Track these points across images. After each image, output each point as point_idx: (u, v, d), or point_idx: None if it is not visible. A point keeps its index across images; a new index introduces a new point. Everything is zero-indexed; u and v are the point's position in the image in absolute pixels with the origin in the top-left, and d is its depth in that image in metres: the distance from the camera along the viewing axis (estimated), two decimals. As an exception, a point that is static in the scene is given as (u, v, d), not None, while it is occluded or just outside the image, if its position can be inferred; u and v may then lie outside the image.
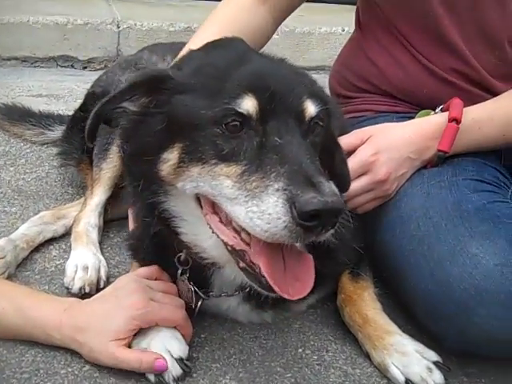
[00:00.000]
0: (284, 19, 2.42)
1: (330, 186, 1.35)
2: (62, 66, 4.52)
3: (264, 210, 1.35)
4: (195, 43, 1.88)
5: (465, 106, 1.97)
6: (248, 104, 1.46)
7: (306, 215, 1.31)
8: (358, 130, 2.01)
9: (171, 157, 1.54)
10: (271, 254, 1.47)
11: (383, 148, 1.92)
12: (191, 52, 1.75)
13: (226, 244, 1.53)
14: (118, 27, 4.64)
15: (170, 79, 1.56)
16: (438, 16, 2.08)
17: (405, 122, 2.03)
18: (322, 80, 2.16)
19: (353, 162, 1.87)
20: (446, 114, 1.97)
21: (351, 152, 1.93)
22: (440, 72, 2.14)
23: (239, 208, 1.40)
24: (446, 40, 2.10)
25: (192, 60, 1.68)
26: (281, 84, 1.51)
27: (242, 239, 1.49)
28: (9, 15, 4.48)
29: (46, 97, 3.78)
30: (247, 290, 1.75)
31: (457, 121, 1.92)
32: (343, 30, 5.00)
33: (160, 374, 1.63)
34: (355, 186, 1.89)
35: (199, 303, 1.80)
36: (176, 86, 1.55)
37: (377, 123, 2.14)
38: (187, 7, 5.67)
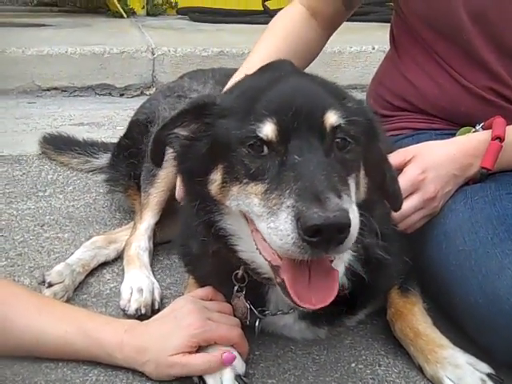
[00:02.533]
0: (334, 31, 2.55)
1: (337, 202, 1.37)
2: (100, 94, 4.66)
3: (277, 227, 1.41)
4: (250, 61, 1.99)
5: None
6: (268, 129, 1.52)
7: (309, 230, 1.35)
8: (401, 149, 2.05)
9: (216, 177, 1.62)
10: (297, 269, 1.52)
11: (430, 166, 1.96)
12: (244, 77, 1.84)
13: (266, 260, 1.60)
14: (153, 54, 4.77)
15: (213, 105, 1.66)
16: (469, 32, 2.12)
17: (447, 140, 2.07)
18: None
19: (402, 181, 1.91)
20: (488, 131, 2.01)
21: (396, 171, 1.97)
22: (477, 90, 2.18)
23: (263, 225, 1.47)
24: (480, 59, 2.14)
25: (241, 85, 1.78)
26: (305, 102, 1.56)
27: (278, 255, 1.54)
28: (47, 47, 4.62)
29: (88, 125, 3.90)
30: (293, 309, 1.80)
31: (500, 139, 1.95)
32: (373, 48, 5.06)
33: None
34: (408, 205, 1.93)
35: (258, 323, 1.85)
36: (219, 111, 1.64)
37: (416, 140, 2.19)
38: (217, 31, 5.80)
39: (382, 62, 2.64)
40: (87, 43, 4.77)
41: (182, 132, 1.70)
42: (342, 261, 1.72)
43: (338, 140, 1.55)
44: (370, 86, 2.69)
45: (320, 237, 1.36)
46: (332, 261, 1.58)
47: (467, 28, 2.12)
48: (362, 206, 1.57)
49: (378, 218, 1.75)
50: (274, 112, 1.54)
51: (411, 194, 1.95)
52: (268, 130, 1.52)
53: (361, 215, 1.48)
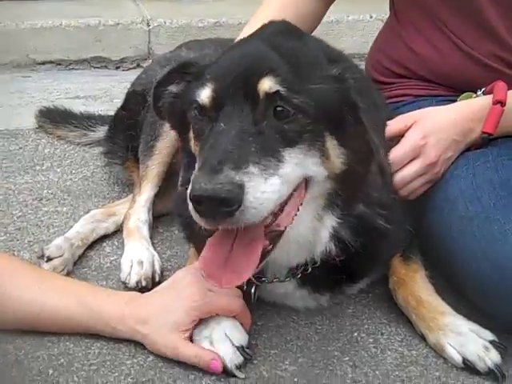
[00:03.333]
0: (331, 3, 2.52)
1: (227, 174, 1.37)
2: (96, 67, 4.59)
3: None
4: (245, 31, 1.97)
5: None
6: (204, 95, 1.55)
7: (192, 200, 1.39)
8: (401, 115, 2.03)
9: (190, 136, 1.69)
10: (219, 245, 1.56)
11: (431, 131, 1.94)
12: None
13: None
14: (148, 26, 4.70)
15: (193, 65, 1.73)
16: (482, 3, 2.09)
17: (448, 105, 2.05)
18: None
19: (403, 147, 1.90)
20: (489, 96, 1.98)
21: (397, 138, 1.95)
22: (480, 57, 2.15)
23: None
24: (488, 26, 2.12)
25: (226, 49, 1.79)
26: (246, 68, 1.53)
27: None
28: (41, 20, 4.56)
29: (84, 98, 3.86)
30: (299, 276, 1.80)
31: (501, 103, 1.93)
32: (371, 17, 4.99)
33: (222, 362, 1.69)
34: (410, 170, 1.93)
35: (254, 290, 1.84)
36: (196, 72, 1.70)
37: (417, 107, 2.16)
38: (215, 2, 5.70)
39: (382, 29, 2.61)
40: (82, 16, 4.69)
41: (173, 89, 1.78)
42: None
43: (277, 109, 1.50)
44: (369, 53, 2.66)
45: (203, 207, 1.38)
46: (275, 232, 1.57)
47: None
48: (339, 177, 1.59)
49: (376, 187, 1.75)
50: (215, 78, 1.56)
51: (412, 159, 1.94)
52: (204, 95, 1.55)
53: (342, 185, 1.56)
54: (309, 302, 1.93)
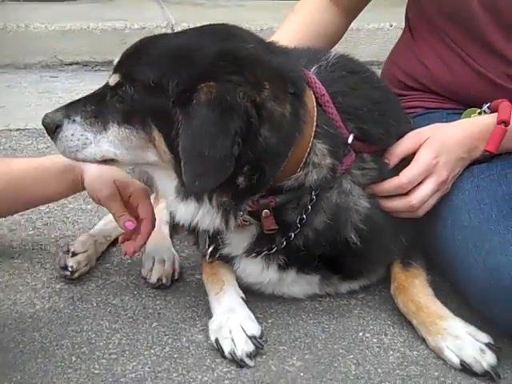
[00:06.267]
0: (354, 18, 2.69)
1: (55, 114, 1.89)
2: (121, 69, 4.72)
3: None
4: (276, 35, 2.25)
5: None
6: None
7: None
8: (411, 134, 2.07)
9: None
10: None
11: (441, 150, 2.00)
12: None
13: None
14: (173, 30, 4.81)
15: None
16: (479, 19, 2.17)
17: (455, 123, 2.11)
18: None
19: (418, 167, 1.97)
20: (493, 115, 2.05)
21: (411, 156, 2.02)
22: (489, 75, 2.22)
23: None
24: (491, 45, 2.19)
25: None
26: (121, 59, 1.88)
27: None
28: (70, 22, 4.70)
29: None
30: (255, 253, 1.95)
31: (505, 123, 1.99)
32: (391, 26, 5.06)
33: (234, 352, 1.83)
34: (427, 189, 1.98)
35: (210, 250, 2.02)
36: None
37: (427, 119, 2.25)
38: (237, 7, 5.82)
39: (397, 43, 2.69)
40: (108, 18, 4.83)
41: None
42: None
43: (119, 92, 1.80)
44: (384, 65, 2.74)
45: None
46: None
47: (478, 14, 2.16)
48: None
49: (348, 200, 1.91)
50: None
51: (426, 178, 1.99)
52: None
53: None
54: (303, 286, 2.05)
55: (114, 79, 1.83)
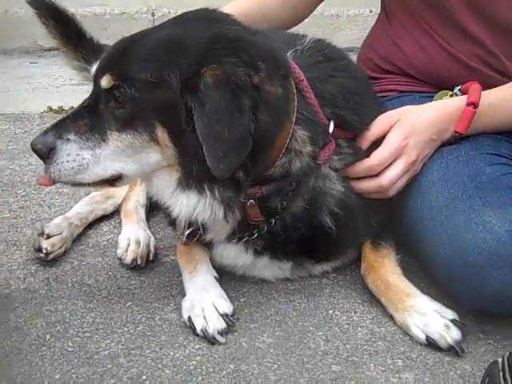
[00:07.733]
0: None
1: (45, 137, 1.75)
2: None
3: None
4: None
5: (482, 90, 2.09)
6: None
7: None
8: (381, 117, 2.10)
9: None
10: None
11: (411, 132, 2.04)
12: None
13: None
14: (153, 15, 4.81)
15: None
16: (454, 3, 2.20)
17: (426, 105, 2.15)
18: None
19: (387, 148, 2.01)
20: (464, 97, 2.09)
21: (383, 139, 2.06)
22: (463, 58, 2.25)
23: None
24: (463, 27, 2.22)
25: None
26: (103, 61, 1.80)
27: None
28: (49, 7, 4.68)
29: (89, 85, 3.96)
30: (236, 239, 1.97)
31: (475, 105, 2.03)
32: (371, 12, 5.06)
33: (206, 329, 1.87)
34: (396, 170, 2.03)
35: (188, 232, 2.03)
36: None
37: (401, 102, 2.28)
38: (217, -7, 5.81)
39: (373, 27, 2.71)
40: (88, 4, 4.81)
41: None
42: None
43: (116, 95, 1.72)
44: (360, 49, 2.76)
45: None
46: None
47: None
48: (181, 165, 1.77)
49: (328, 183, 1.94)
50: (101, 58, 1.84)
51: (396, 159, 2.03)
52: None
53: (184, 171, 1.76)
54: (275, 270, 2.09)
55: (107, 81, 1.72)
